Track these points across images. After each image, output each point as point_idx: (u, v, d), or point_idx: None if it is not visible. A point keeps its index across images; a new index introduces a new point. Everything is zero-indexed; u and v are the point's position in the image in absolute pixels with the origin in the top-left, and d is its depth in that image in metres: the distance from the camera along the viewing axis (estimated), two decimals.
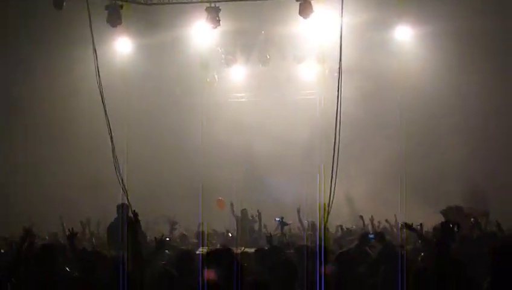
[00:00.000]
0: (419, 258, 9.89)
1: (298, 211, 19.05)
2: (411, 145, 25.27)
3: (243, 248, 12.33)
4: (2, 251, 12.48)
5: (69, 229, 10.99)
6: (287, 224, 17.22)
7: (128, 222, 14.89)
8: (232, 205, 21.02)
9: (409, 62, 25.97)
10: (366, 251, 10.55)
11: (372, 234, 10.79)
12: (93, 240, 16.99)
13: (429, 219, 17.78)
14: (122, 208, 15.18)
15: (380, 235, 10.14)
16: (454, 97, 26.24)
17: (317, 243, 8.77)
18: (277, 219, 17.24)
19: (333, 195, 12.79)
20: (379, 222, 20.43)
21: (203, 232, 17.13)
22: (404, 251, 8.12)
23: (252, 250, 11.55)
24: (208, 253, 6.61)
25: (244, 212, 20.94)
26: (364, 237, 11.63)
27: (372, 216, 20.05)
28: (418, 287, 7.28)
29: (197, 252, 11.65)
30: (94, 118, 21.21)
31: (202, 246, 14.06)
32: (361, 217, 19.71)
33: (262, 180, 29.16)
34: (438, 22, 24.87)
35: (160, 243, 10.75)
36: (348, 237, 16.43)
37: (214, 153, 27.00)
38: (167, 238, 15.77)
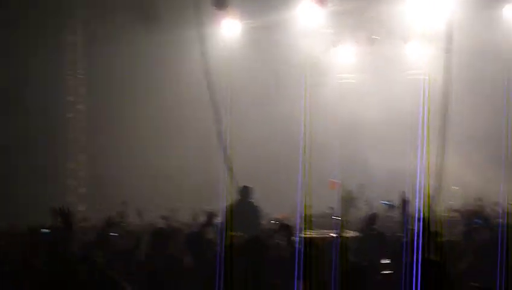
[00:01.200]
0: None
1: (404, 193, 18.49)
2: None
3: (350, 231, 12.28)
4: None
5: None
6: (394, 206, 16.79)
7: (252, 206, 15.22)
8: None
9: None
10: (472, 237, 10.21)
11: (478, 219, 10.29)
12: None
13: None
14: (246, 190, 15.45)
15: (486, 220, 9.51)
16: None
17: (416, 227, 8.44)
18: (384, 202, 16.97)
19: (441, 176, 12.54)
20: (493, 205, 19.93)
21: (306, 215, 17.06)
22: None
23: (357, 234, 11.49)
24: None
25: (349, 193, 20.85)
26: (469, 222, 11.28)
27: (481, 198, 19.55)
28: None
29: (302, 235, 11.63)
30: (199, 102, 21.50)
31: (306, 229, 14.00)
32: (477, 199, 19.21)
33: (367, 161, 29.02)
34: None
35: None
36: (456, 221, 16.09)
37: (318, 135, 26.97)
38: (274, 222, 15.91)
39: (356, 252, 9.71)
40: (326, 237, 10.81)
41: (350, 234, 11.80)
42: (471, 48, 24.78)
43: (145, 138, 27.31)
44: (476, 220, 9.84)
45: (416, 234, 7.53)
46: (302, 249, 8.37)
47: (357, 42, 27.40)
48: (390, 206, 16.34)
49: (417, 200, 11.92)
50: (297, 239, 10.51)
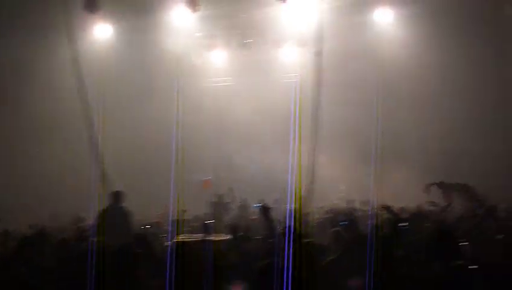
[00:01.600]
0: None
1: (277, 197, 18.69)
2: (392, 124, 25.30)
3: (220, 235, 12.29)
4: None
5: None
6: (267, 209, 16.88)
7: (124, 211, 14.98)
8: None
9: (389, 43, 25.96)
10: (337, 237, 10.37)
11: (345, 220, 10.45)
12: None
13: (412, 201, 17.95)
14: (118, 195, 15.25)
15: (352, 221, 9.61)
16: (435, 77, 26.32)
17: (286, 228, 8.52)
18: (256, 205, 17.07)
19: (313, 177, 12.64)
20: (363, 204, 20.31)
21: (178, 219, 17.03)
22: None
23: (229, 237, 11.51)
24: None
25: (220, 197, 20.90)
26: (335, 222, 11.47)
27: (350, 200, 19.91)
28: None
29: (174, 240, 11.59)
30: (72, 106, 21.10)
31: (178, 234, 13.96)
32: (344, 201, 19.57)
33: (241, 163, 29.30)
34: (417, 3, 24.87)
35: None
36: (327, 221, 16.33)
37: (192, 138, 27.10)
38: (147, 226, 15.79)
39: (226, 256, 9.73)
40: (198, 241, 10.75)
41: (222, 237, 11.82)
42: (343, 50, 25.30)
43: (18, 142, 26.69)
44: (342, 222, 10.02)
45: (287, 235, 7.57)
46: (173, 253, 8.33)
47: (231, 46, 27.45)
48: (262, 208, 16.37)
49: (289, 200, 12.05)
50: (169, 244, 10.47)
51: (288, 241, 7.07)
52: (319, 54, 21.13)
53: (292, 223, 8.22)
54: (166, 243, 12.04)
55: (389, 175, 22.84)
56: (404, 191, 21.99)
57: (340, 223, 10.09)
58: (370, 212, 17.83)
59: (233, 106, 27.66)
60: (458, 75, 25.46)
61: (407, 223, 6.80)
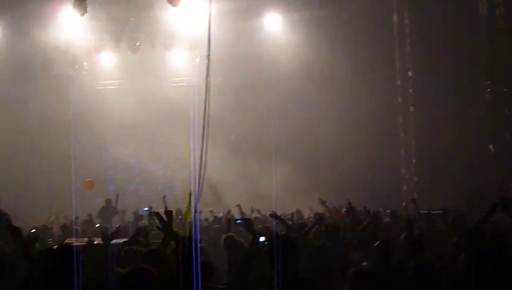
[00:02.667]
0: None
1: (164, 198, 18.48)
2: (282, 132, 25.51)
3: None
4: None
5: None
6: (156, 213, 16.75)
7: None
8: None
9: (279, 49, 26.20)
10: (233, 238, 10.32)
11: (240, 219, 10.43)
12: None
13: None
14: None
15: (248, 222, 9.47)
16: (323, 83, 26.70)
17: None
18: (145, 209, 16.90)
19: (202, 182, 12.55)
20: (256, 211, 20.35)
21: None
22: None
23: (121, 241, 11.35)
24: None
25: (107, 201, 20.63)
26: (230, 222, 11.45)
27: (240, 205, 19.89)
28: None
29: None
30: None
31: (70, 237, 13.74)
32: (238, 206, 19.54)
33: (133, 171, 29.19)
34: (306, 10, 25.22)
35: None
36: (215, 225, 16.28)
37: (83, 141, 26.87)
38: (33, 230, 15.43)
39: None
40: (85, 245, 10.53)
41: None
42: (234, 54, 25.37)
43: None
44: (238, 221, 10.00)
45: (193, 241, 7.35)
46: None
47: (120, 49, 27.01)
48: (152, 213, 16.20)
49: (194, 206, 11.94)
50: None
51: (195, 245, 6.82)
52: (207, 58, 21.10)
53: (193, 228, 8.06)
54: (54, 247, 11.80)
55: (284, 179, 23.06)
56: (295, 195, 22.23)
57: (237, 222, 10.01)
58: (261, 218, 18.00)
59: (122, 109, 27.35)
60: (347, 78, 25.84)
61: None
